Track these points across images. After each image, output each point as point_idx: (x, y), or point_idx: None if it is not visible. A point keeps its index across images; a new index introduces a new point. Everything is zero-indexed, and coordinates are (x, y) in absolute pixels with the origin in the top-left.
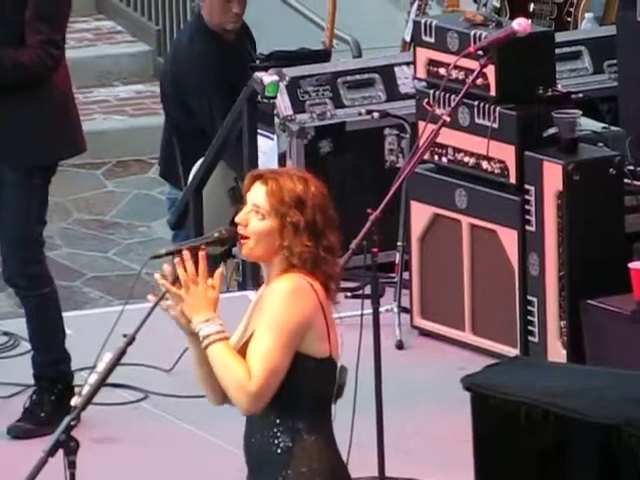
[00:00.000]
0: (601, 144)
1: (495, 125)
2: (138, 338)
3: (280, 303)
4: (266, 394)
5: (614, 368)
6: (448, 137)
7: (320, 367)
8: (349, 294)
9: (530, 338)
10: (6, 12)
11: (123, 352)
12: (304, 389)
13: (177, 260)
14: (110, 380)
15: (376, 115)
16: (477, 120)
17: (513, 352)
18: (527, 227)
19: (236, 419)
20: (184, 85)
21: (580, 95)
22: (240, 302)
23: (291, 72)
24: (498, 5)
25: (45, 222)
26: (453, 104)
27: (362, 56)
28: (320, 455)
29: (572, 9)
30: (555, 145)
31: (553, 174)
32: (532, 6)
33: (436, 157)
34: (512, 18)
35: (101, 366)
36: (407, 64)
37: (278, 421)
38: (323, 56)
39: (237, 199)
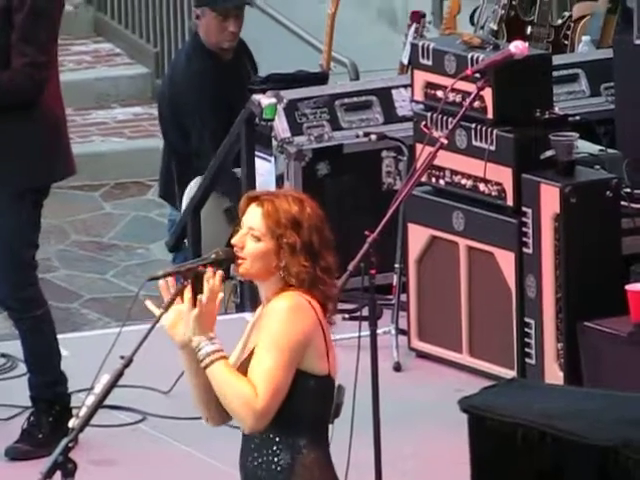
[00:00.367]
0: (598, 167)
1: (492, 147)
2: (136, 360)
3: (280, 321)
4: (271, 411)
5: (611, 390)
6: (445, 159)
7: (319, 385)
8: (347, 316)
9: (527, 360)
10: None
11: (121, 374)
12: (304, 406)
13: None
14: (108, 402)
15: (373, 137)
16: (474, 142)
17: (510, 374)
18: (524, 249)
19: (234, 441)
20: (180, 105)
21: (577, 118)
22: (238, 324)
23: (289, 94)
24: (495, 28)
25: (37, 245)
26: (450, 126)
27: (359, 78)
28: (321, 472)
29: (569, 32)
30: (552, 168)
31: (550, 196)
32: (529, 29)
33: (433, 179)
34: (509, 41)
35: (99, 388)
36: (405, 87)
37: (278, 439)
38: (321, 78)
39: (234, 218)
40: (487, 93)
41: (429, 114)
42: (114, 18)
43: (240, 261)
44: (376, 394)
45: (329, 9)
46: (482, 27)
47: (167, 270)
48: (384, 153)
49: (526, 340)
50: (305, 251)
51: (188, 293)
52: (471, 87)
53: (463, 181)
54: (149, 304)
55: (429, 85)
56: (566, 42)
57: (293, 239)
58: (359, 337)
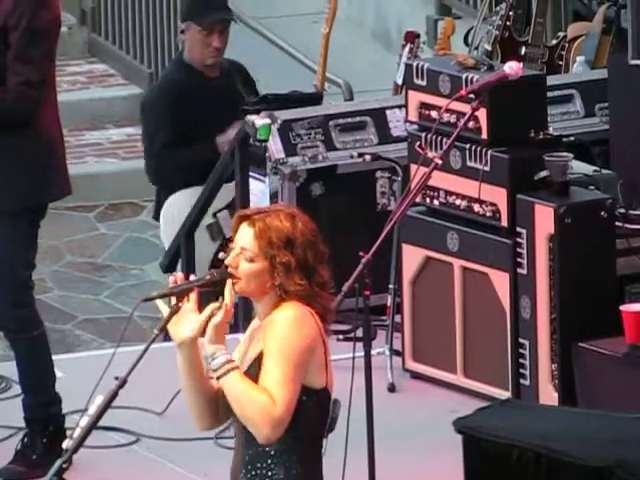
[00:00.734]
0: (593, 187)
1: (487, 168)
2: (130, 381)
3: (285, 331)
4: (287, 419)
5: (606, 411)
6: (440, 180)
7: (317, 398)
8: (341, 337)
9: (522, 381)
10: None
11: (115, 395)
12: (302, 420)
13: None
14: (102, 423)
15: (368, 158)
16: (469, 163)
17: (505, 395)
18: (519, 270)
19: (227, 462)
20: (146, 110)
21: (572, 138)
22: (232, 345)
23: (283, 115)
24: (490, 48)
25: (34, 266)
26: (445, 147)
27: (354, 99)
28: None
29: (564, 52)
30: (547, 188)
31: (545, 217)
32: (524, 49)
33: (428, 200)
34: (504, 61)
35: (93, 409)
36: (399, 107)
37: (273, 452)
38: (315, 99)
39: (216, 234)
40: (482, 114)
41: (423, 134)
42: (108, 39)
43: (235, 280)
44: (370, 415)
45: (323, 29)
46: (476, 48)
47: (161, 291)
48: (378, 173)
49: (521, 361)
50: (300, 269)
51: (194, 294)
52: (465, 107)
53: (457, 201)
54: (159, 303)
55: (423, 105)
56: (560, 62)
57: (287, 258)
58: (353, 358)
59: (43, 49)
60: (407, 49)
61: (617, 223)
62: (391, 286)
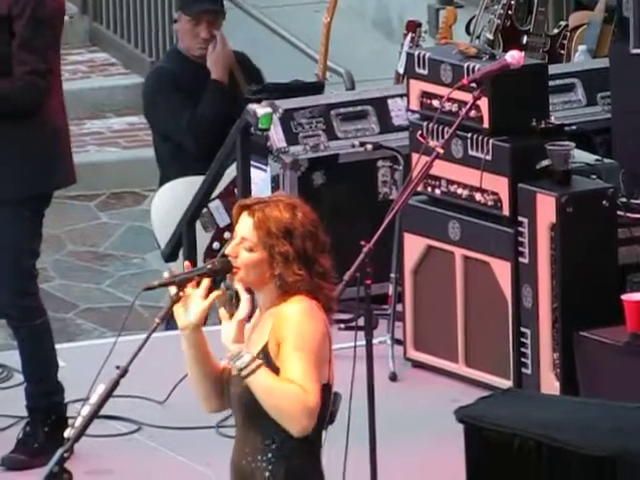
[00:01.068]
0: (594, 176)
1: (488, 157)
2: (131, 370)
3: (301, 322)
4: (319, 408)
5: (607, 400)
6: (441, 169)
7: (321, 393)
8: (342, 326)
9: (523, 370)
10: None
11: (116, 384)
12: None
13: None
14: (103, 412)
15: (369, 147)
16: (470, 152)
17: (506, 384)
18: (520, 259)
19: (229, 450)
20: (147, 102)
21: (573, 127)
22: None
23: (284, 104)
24: (491, 37)
25: (38, 254)
26: (446, 136)
27: (355, 88)
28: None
29: (565, 42)
30: (548, 177)
31: (546, 206)
32: (525, 38)
33: (429, 189)
34: (505, 50)
35: (94, 398)
36: (400, 96)
37: (274, 446)
38: (316, 88)
39: (209, 225)
40: (483, 103)
41: (425, 123)
42: (109, 28)
43: (235, 270)
44: (372, 404)
45: (325, 18)
46: (478, 37)
47: (163, 280)
48: (380, 163)
49: (522, 350)
50: (299, 259)
51: (206, 281)
52: (467, 97)
53: (459, 191)
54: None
55: (425, 94)
56: (562, 51)
57: (285, 248)
58: (355, 347)
59: (48, 38)
60: (409, 38)
61: (619, 212)
62: (392, 275)
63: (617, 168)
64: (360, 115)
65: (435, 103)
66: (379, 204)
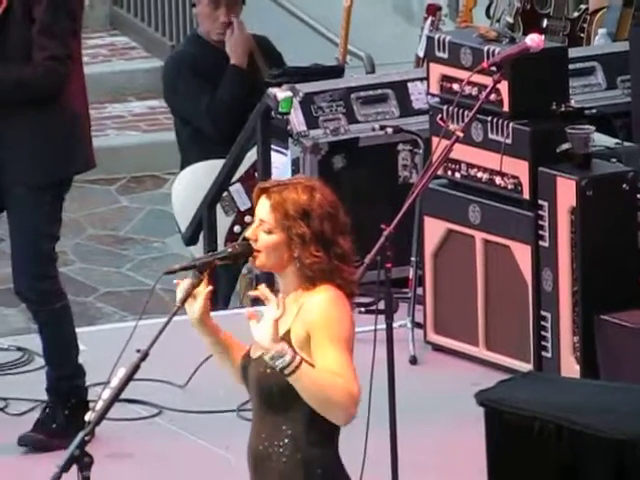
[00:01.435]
0: (614, 160)
1: (508, 141)
2: (152, 353)
3: (330, 311)
4: (361, 394)
5: (627, 383)
6: (461, 153)
7: None
8: (363, 309)
9: (543, 353)
10: (14, 29)
11: (137, 367)
12: None
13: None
14: (124, 395)
15: (389, 131)
16: (490, 136)
17: (526, 367)
18: (540, 242)
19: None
20: (167, 87)
21: (593, 111)
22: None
23: (305, 88)
24: (511, 21)
25: (58, 238)
26: (466, 120)
27: (375, 72)
28: (328, 466)
29: (585, 25)
30: (568, 161)
31: (566, 190)
32: (545, 22)
33: (449, 173)
34: (525, 34)
35: (115, 381)
36: (420, 80)
37: (290, 432)
38: (336, 72)
39: (229, 208)
40: (503, 86)
41: (445, 107)
42: (130, 12)
43: (255, 254)
44: (392, 387)
45: (345, 2)
46: (498, 20)
47: (183, 264)
48: (400, 146)
49: (542, 333)
50: (316, 241)
51: (205, 275)
52: (487, 80)
53: (479, 174)
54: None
55: (445, 78)
56: (582, 35)
57: (302, 230)
58: (375, 330)
59: (68, 23)
60: (429, 22)
61: (639, 195)
62: (413, 259)
63: (637, 151)
64: (380, 99)
65: (455, 87)
66: (399, 188)
